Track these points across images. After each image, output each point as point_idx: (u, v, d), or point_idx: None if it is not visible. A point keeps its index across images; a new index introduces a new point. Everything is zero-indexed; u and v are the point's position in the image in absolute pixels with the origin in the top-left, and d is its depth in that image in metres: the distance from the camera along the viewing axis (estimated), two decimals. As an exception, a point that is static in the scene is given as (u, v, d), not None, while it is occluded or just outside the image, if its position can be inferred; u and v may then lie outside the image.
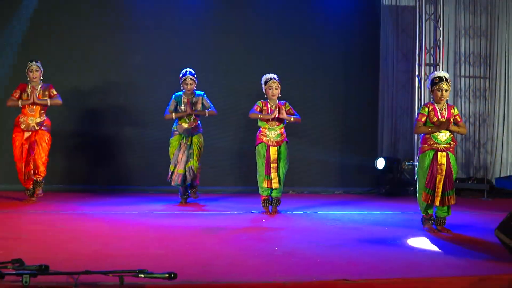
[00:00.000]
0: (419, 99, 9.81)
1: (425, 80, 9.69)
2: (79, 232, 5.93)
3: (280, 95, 7.11)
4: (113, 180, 9.66)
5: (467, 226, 6.27)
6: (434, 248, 5.14)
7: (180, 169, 7.74)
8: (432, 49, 9.94)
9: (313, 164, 9.59)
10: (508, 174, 10.15)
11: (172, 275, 3.44)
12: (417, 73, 9.88)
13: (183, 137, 7.83)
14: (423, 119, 5.88)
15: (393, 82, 10.30)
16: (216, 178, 9.55)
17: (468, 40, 10.39)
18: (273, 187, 7.06)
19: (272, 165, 7.02)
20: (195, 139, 7.89)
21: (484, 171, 10.23)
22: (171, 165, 7.84)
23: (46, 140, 7.81)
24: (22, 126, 7.67)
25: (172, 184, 7.89)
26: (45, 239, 5.42)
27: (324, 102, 9.67)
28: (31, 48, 9.25)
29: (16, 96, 7.62)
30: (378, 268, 4.30)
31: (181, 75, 7.79)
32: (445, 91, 5.82)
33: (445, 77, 5.85)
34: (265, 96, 7.13)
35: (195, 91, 7.89)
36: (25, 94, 7.66)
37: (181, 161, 7.77)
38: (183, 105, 7.80)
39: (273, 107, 7.07)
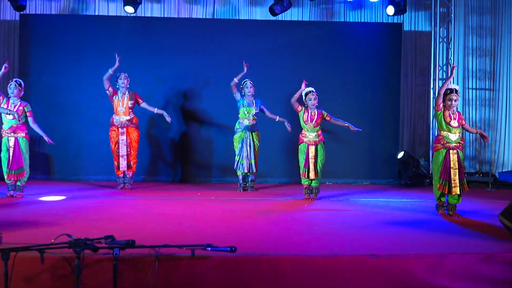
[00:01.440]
0: (433, 108, 9.76)
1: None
2: (158, 214, 6.02)
3: (317, 105, 7.26)
4: (185, 173, 9.71)
5: (474, 212, 6.28)
6: (447, 229, 5.15)
7: (242, 159, 7.89)
8: (445, 66, 9.96)
9: (346, 160, 9.58)
10: (509, 169, 10.13)
11: (233, 249, 3.55)
12: (432, 86, 9.97)
13: (245, 133, 7.94)
14: (440, 115, 5.96)
15: (412, 94, 10.35)
16: (267, 171, 9.46)
17: (475, 59, 10.33)
18: (311, 178, 7.14)
19: (310, 160, 7.11)
20: (254, 135, 7.98)
21: (489, 166, 10.19)
22: (236, 156, 7.94)
23: (136, 138, 7.98)
24: (116, 123, 7.89)
25: (238, 171, 8.03)
26: (132, 219, 5.56)
27: (355, 111, 9.53)
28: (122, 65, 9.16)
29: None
30: (400, 245, 4.38)
31: (242, 83, 7.99)
32: (455, 100, 5.89)
33: (455, 89, 5.92)
34: (306, 105, 7.28)
35: (253, 97, 8.07)
36: (116, 98, 7.86)
37: (244, 152, 7.88)
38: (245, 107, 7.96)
39: (313, 114, 7.20)
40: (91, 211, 6.17)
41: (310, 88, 7.31)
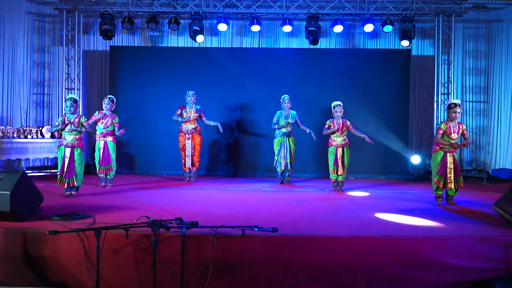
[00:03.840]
0: (437, 117, 9.72)
1: (441, 105, 9.67)
2: (216, 200, 6.05)
3: (342, 115, 7.17)
4: (237, 168, 9.77)
5: (471, 202, 6.14)
6: (449, 216, 5.00)
7: (280, 159, 7.84)
8: (446, 83, 9.75)
9: (364, 159, 9.46)
10: (501, 167, 9.90)
11: (275, 229, 3.61)
12: (435, 100, 9.76)
13: (283, 138, 7.86)
14: (441, 132, 5.73)
15: (419, 106, 10.17)
16: (302, 167, 9.47)
17: (472, 77, 10.14)
18: (339, 174, 7.10)
19: (339, 160, 7.06)
20: (290, 139, 7.89)
21: (483, 165, 9.99)
22: (276, 156, 7.89)
23: (199, 142, 7.94)
24: (184, 130, 7.89)
25: (277, 168, 7.98)
26: (195, 205, 5.54)
27: (372, 120, 9.48)
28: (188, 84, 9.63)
29: (178, 113, 7.84)
30: (410, 228, 4.26)
31: (281, 99, 7.92)
32: (458, 113, 5.70)
33: (458, 103, 5.73)
34: (333, 116, 7.17)
35: (290, 109, 7.94)
36: (185, 112, 7.84)
37: (282, 153, 7.82)
38: (284, 118, 7.84)
39: (339, 122, 7.09)
40: (164, 198, 6.23)
41: (337, 102, 7.21)
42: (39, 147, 8.35)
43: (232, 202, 5.98)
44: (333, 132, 7.13)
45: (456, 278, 3.84)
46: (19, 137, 8.20)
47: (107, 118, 7.22)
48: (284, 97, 7.97)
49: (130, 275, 3.76)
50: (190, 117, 7.87)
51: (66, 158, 6.08)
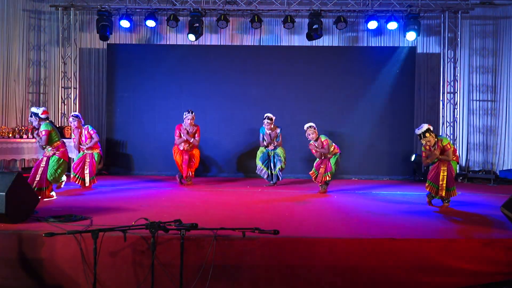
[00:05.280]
0: (443, 116, 9.71)
1: (447, 104, 9.70)
2: (215, 202, 6.01)
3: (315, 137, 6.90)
4: (237, 169, 9.68)
5: (478, 204, 6.09)
6: (455, 218, 4.96)
7: (267, 168, 7.80)
8: (452, 82, 9.74)
9: (369, 159, 9.49)
10: (509, 168, 9.84)
11: (276, 232, 3.61)
12: (441, 99, 9.75)
13: (269, 150, 7.79)
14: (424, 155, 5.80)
15: (424, 105, 10.14)
16: (302, 168, 9.21)
17: (479, 75, 10.14)
18: (317, 179, 7.00)
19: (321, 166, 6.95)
20: (279, 150, 7.74)
21: (491, 165, 9.97)
22: (261, 165, 7.82)
23: (197, 155, 7.84)
24: (180, 148, 7.69)
25: (263, 176, 7.91)
26: (195, 207, 5.55)
27: (377, 118, 9.57)
28: (188, 84, 9.75)
29: (178, 135, 7.60)
30: (414, 231, 4.24)
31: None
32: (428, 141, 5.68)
33: (421, 134, 5.68)
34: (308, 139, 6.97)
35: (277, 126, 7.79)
36: (183, 135, 7.59)
37: (267, 163, 7.79)
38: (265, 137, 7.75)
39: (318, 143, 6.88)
40: (163, 199, 6.23)
41: (309, 124, 6.97)
42: (35, 147, 8.37)
43: (232, 203, 5.99)
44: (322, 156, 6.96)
45: (462, 282, 3.81)
46: (14, 137, 8.23)
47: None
48: (266, 117, 7.73)
49: (128, 278, 3.76)
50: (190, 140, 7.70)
51: (41, 168, 6.06)
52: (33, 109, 6.20)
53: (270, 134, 7.79)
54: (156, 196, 6.54)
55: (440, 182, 5.70)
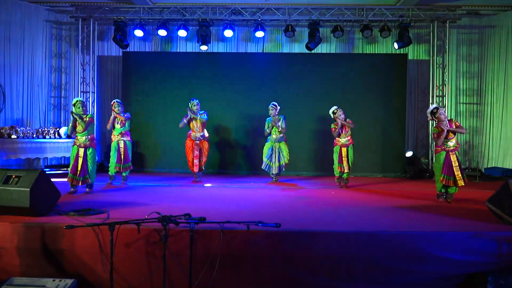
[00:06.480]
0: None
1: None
2: (223, 197, 6.00)
3: (344, 117, 7.12)
4: (243, 167, 9.65)
5: (465, 199, 6.05)
6: (444, 212, 4.94)
7: (272, 163, 7.67)
8: (441, 86, 9.68)
9: (363, 158, 9.40)
10: (493, 166, 9.81)
11: (278, 225, 3.60)
12: (430, 102, 9.70)
13: (274, 143, 7.65)
14: (436, 135, 5.68)
15: (415, 107, 10.13)
16: (304, 166, 9.47)
17: (465, 80, 10.10)
18: (345, 171, 7.18)
19: (343, 158, 7.12)
20: (282, 144, 7.64)
21: (476, 163, 9.95)
22: (266, 160, 7.71)
23: (207, 148, 7.73)
24: (192, 138, 7.66)
25: (269, 173, 7.83)
26: (203, 201, 5.53)
27: (371, 120, 9.53)
28: (196, 87, 9.67)
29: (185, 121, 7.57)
30: (408, 224, 4.23)
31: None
32: (443, 115, 5.67)
33: (440, 107, 5.70)
34: (335, 120, 7.16)
35: (280, 115, 7.74)
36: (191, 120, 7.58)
37: (273, 158, 7.66)
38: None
39: (340, 124, 7.07)
40: (174, 195, 6.21)
41: (335, 107, 7.25)
42: (56, 146, 8.40)
43: (238, 198, 5.96)
44: (339, 135, 7.17)
45: (450, 271, 3.83)
46: (38, 137, 8.26)
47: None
48: (270, 105, 7.72)
49: (142, 267, 3.77)
50: (197, 127, 7.63)
51: (79, 158, 6.08)
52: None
53: (274, 120, 7.65)
54: (167, 192, 6.52)
55: (456, 173, 5.65)
